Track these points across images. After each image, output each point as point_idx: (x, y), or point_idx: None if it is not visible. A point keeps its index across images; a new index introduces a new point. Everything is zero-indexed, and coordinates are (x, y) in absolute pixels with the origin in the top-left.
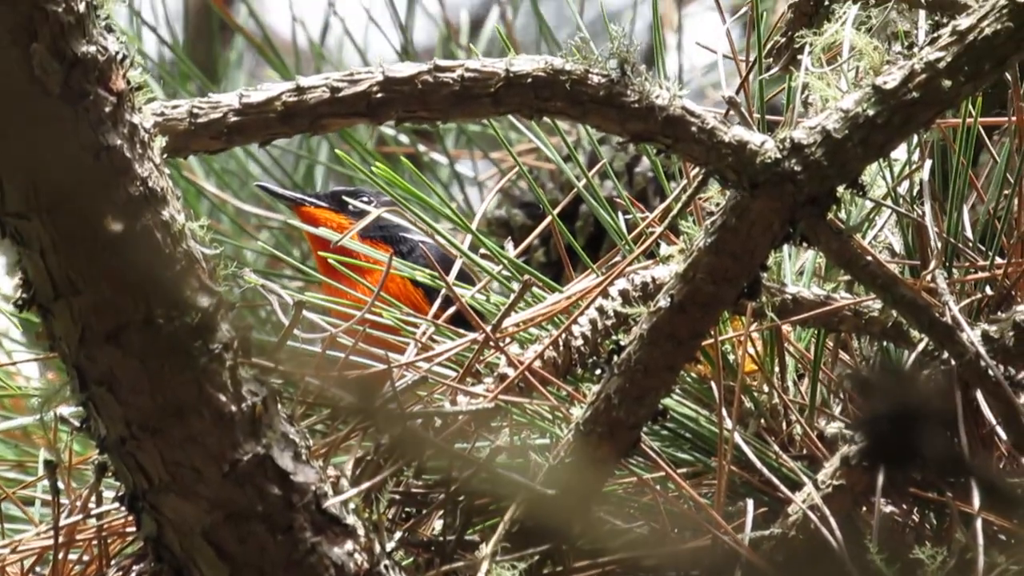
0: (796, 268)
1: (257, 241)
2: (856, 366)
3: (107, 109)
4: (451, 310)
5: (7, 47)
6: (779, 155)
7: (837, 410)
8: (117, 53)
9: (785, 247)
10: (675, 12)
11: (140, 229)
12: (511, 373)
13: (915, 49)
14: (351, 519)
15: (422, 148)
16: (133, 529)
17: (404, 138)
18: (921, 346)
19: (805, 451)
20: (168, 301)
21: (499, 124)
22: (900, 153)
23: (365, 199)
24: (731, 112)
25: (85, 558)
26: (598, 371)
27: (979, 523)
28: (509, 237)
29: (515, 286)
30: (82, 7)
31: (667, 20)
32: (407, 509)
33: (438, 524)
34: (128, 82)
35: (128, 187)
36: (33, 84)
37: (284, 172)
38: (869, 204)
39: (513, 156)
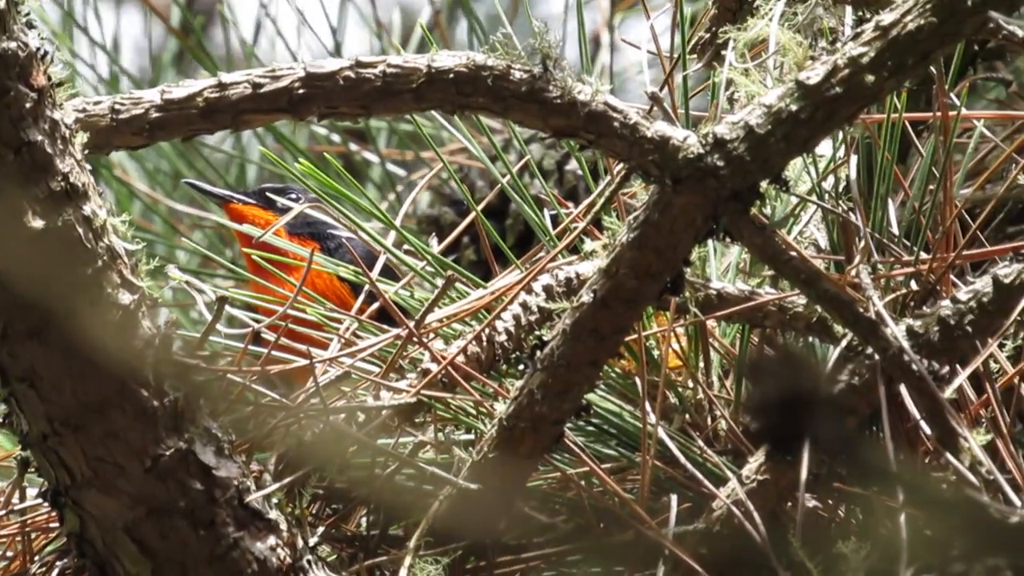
0: (722, 264)
1: (189, 241)
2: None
3: (28, 105)
4: (375, 306)
5: None
6: (702, 150)
7: None
8: (38, 49)
9: (709, 242)
10: (609, 11)
11: (61, 224)
12: (434, 368)
13: (838, 44)
14: (274, 514)
15: (354, 147)
16: (56, 525)
17: (336, 137)
18: (845, 341)
19: (730, 446)
20: (89, 297)
21: (431, 123)
22: (825, 149)
23: (292, 196)
24: (655, 108)
25: (9, 554)
26: (521, 366)
27: (903, 517)
28: (434, 234)
29: (440, 283)
30: (2, 3)
31: (603, 18)
32: (331, 505)
33: (363, 520)
34: (49, 78)
35: (49, 183)
36: None
37: (216, 172)
38: (794, 199)
39: (438, 154)
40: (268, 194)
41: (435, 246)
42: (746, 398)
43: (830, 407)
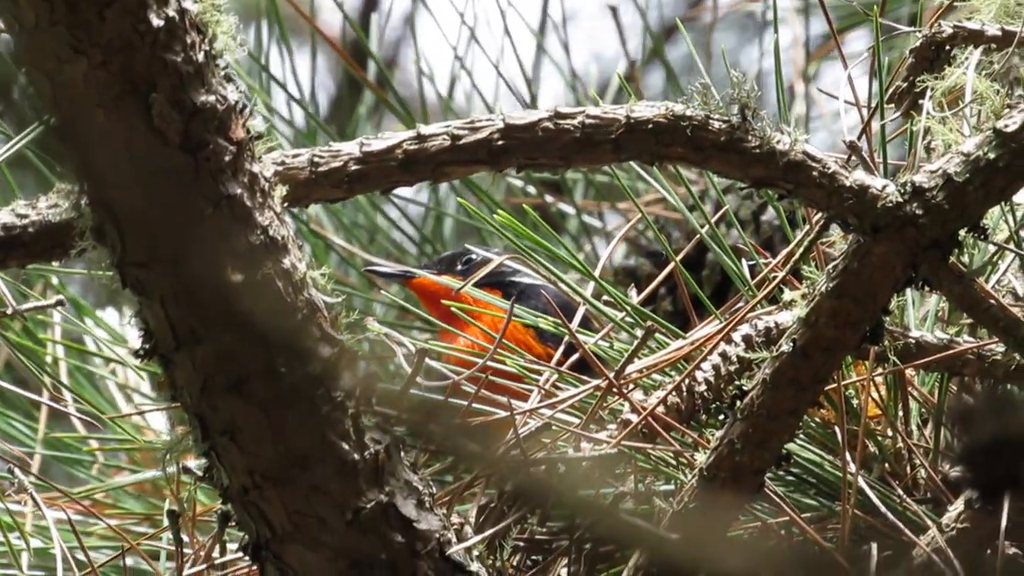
0: (920, 313)
1: (387, 293)
2: (958, 400)
3: (227, 158)
4: (574, 357)
5: (126, 96)
6: (900, 199)
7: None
8: (236, 102)
9: (908, 291)
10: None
11: (261, 278)
12: (634, 419)
13: None
14: (475, 566)
15: (550, 199)
16: None
17: (532, 189)
18: None
19: (929, 494)
20: (290, 350)
21: (626, 174)
22: (1023, 196)
23: (474, 256)
24: (853, 157)
25: None
26: (721, 416)
27: None
28: (633, 284)
29: (639, 333)
30: (201, 57)
31: (796, 68)
32: (531, 556)
33: (563, 571)
34: (248, 131)
35: (248, 236)
36: (153, 134)
37: (413, 224)
38: (992, 247)
39: (637, 204)
40: (451, 259)
41: (634, 297)
42: (950, 445)
43: None
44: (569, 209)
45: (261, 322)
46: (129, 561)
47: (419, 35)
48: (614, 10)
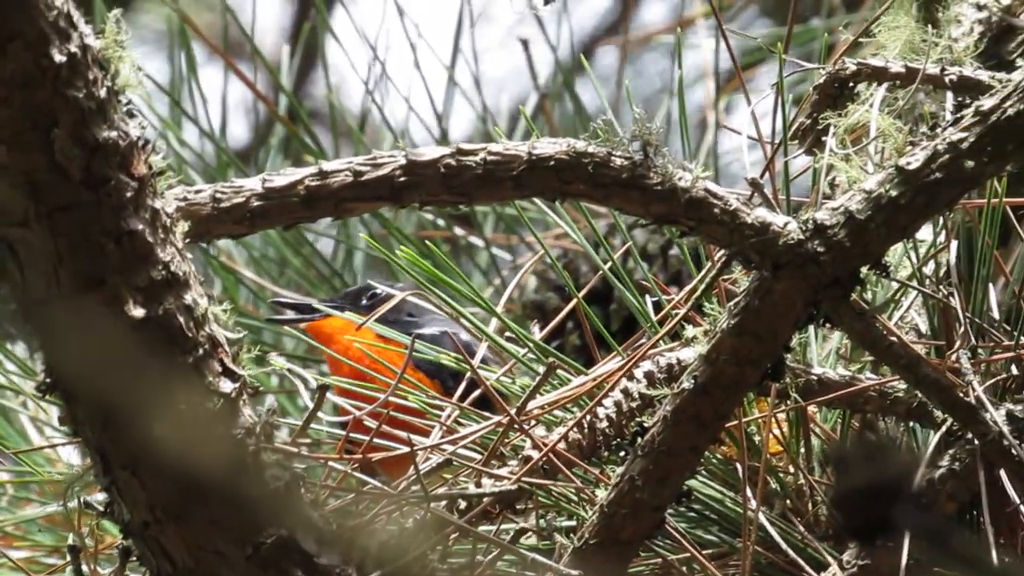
0: (824, 350)
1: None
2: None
3: (128, 194)
4: (476, 393)
5: (27, 132)
6: (802, 236)
7: None
8: (139, 138)
9: (810, 328)
10: (714, 94)
11: (162, 313)
12: (535, 455)
13: (938, 130)
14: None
15: (460, 232)
16: None
17: (442, 222)
18: (945, 426)
19: (831, 531)
20: (190, 386)
21: (536, 207)
22: (926, 234)
23: (378, 291)
24: (755, 194)
25: None
26: (622, 453)
27: None
28: (536, 320)
29: (541, 369)
30: (103, 93)
31: (709, 100)
32: None
33: None
34: (150, 167)
35: (150, 271)
36: (55, 170)
37: (323, 259)
38: (895, 285)
39: (539, 240)
40: (351, 295)
41: (536, 333)
42: (831, 489)
43: (916, 497)
44: (479, 242)
45: (160, 358)
46: None
47: (330, 66)
48: (525, 43)
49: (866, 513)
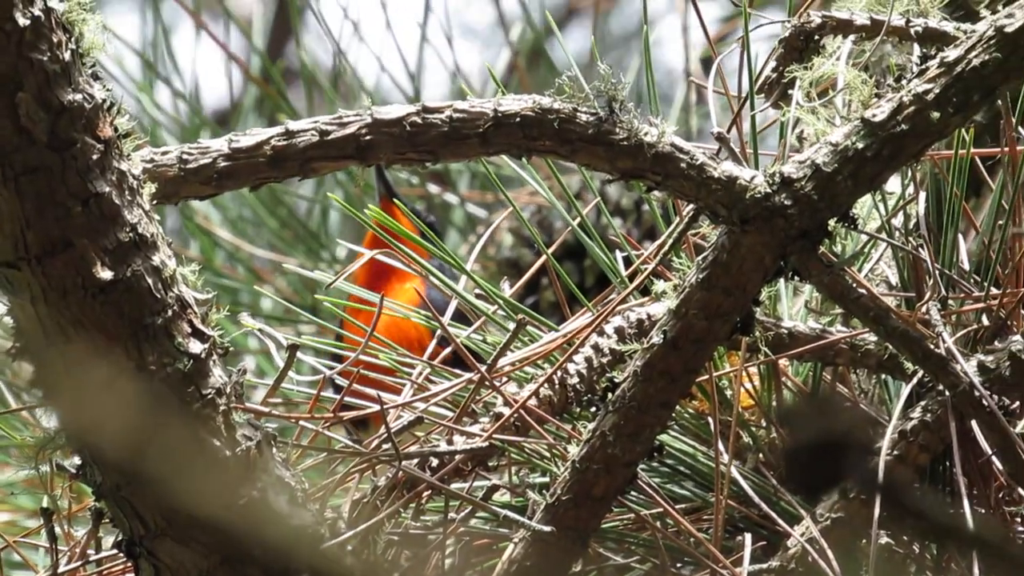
0: (795, 304)
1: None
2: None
3: (95, 156)
4: (447, 351)
5: None
6: (769, 190)
7: None
8: (104, 101)
9: (781, 282)
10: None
11: (130, 275)
12: (507, 412)
13: (904, 82)
14: (349, 561)
15: (434, 189)
16: (132, 575)
17: (416, 180)
18: (916, 378)
19: (781, 485)
20: (160, 347)
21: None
22: (895, 186)
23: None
24: (721, 148)
25: None
26: (593, 409)
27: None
28: (506, 278)
29: (512, 326)
30: (67, 55)
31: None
32: (405, 551)
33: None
34: (116, 129)
35: (117, 233)
36: (20, 133)
37: (298, 220)
38: (864, 237)
39: (508, 198)
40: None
41: (507, 290)
42: (778, 446)
43: (860, 452)
44: (454, 199)
45: (130, 320)
46: (16, 557)
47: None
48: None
49: (813, 468)
